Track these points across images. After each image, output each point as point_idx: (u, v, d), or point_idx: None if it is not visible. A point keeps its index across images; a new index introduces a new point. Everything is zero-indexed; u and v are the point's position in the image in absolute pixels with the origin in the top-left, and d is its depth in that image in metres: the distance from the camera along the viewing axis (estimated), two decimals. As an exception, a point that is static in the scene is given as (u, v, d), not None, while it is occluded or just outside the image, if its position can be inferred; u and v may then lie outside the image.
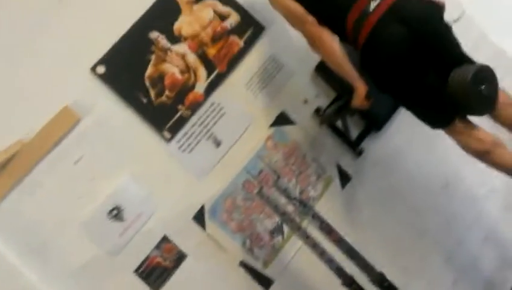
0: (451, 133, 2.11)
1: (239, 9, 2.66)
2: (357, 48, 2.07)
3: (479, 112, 2.03)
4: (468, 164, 2.85)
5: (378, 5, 1.99)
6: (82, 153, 2.22)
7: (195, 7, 2.60)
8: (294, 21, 2.21)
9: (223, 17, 2.63)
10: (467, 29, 2.88)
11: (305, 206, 2.56)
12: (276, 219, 2.50)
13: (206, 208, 2.39)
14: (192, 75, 2.51)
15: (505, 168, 2.08)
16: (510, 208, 2.96)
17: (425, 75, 2.02)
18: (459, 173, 2.92)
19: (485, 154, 2.06)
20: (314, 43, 2.16)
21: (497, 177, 2.88)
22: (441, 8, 2.10)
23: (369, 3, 2.00)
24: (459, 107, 1.99)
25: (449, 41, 2.07)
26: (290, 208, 2.53)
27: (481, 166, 2.88)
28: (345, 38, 2.13)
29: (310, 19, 2.13)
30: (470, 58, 2.06)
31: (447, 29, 2.07)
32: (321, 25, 2.12)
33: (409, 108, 2.17)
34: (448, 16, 2.80)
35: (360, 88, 2.09)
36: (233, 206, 2.44)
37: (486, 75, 1.96)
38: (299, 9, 2.14)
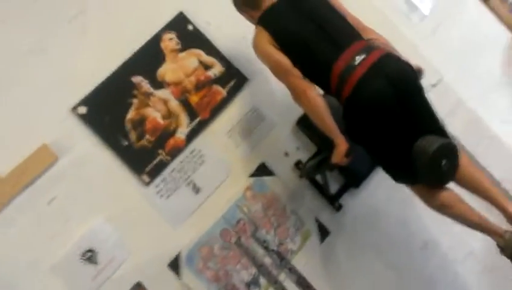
0: (414, 190, 2.18)
1: (223, 60, 2.71)
2: (341, 99, 2.09)
3: (434, 184, 2.10)
4: (447, 225, 2.87)
5: (363, 60, 2.03)
6: (57, 193, 2.19)
7: (180, 55, 2.63)
8: (280, 73, 2.22)
9: (207, 67, 2.67)
10: (444, 94, 2.99)
11: (282, 259, 2.50)
12: (253, 270, 2.44)
13: (183, 256, 2.33)
14: (174, 120, 2.51)
15: (465, 221, 2.14)
16: (486, 271, 2.93)
17: (399, 133, 2.06)
18: (437, 234, 2.90)
19: (443, 209, 2.13)
20: (298, 96, 2.17)
21: (475, 240, 2.91)
22: (416, 72, 2.16)
23: (354, 57, 2.04)
24: (418, 174, 2.06)
25: (424, 104, 2.12)
26: (267, 260, 2.47)
27: (459, 228, 2.90)
28: (329, 90, 2.15)
29: (296, 72, 2.15)
30: (441, 126, 2.14)
31: (422, 92, 2.13)
32: (306, 78, 2.15)
33: (378, 161, 2.24)
34: (426, 81, 2.92)
35: (341, 145, 2.10)
36: (210, 255, 2.38)
37: (448, 152, 2.03)
38: (285, 61, 2.16)
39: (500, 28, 3.46)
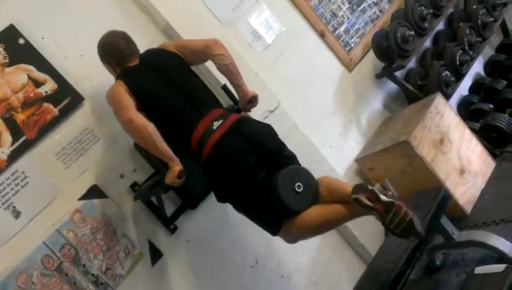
0: (285, 230, 2.26)
1: (57, 77, 2.59)
2: (202, 160, 2.22)
3: (303, 208, 2.19)
4: (278, 242, 3.05)
5: (221, 125, 2.21)
6: None
7: (7, 70, 2.48)
8: (117, 109, 2.27)
9: (38, 84, 2.54)
10: (282, 119, 3.17)
11: (107, 285, 2.44)
12: (74, 298, 2.35)
13: (-5, 286, 2.17)
14: (-5, 140, 2.36)
15: (340, 221, 2.22)
16: (311, 286, 3.14)
17: (259, 182, 2.20)
18: (268, 252, 3.04)
19: (318, 228, 2.23)
20: (127, 125, 2.22)
21: (301, 256, 3.11)
22: (271, 126, 2.39)
23: (213, 123, 2.21)
24: (279, 208, 2.17)
25: (282, 152, 2.31)
26: (91, 287, 2.40)
27: (289, 245, 3.09)
28: (190, 153, 2.26)
29: (130, 106, 2.21)
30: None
31: (280, 144, 2.34)
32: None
33: (248, 215, 2.33)
34: (265, 107, 3.08)
35: (174, 166, 2.18)
36: (28, 283, 2.25)
37: (296, 175, 2.20)
38: (127, 99, 2.23)
39: (334, 63, 3.78)
